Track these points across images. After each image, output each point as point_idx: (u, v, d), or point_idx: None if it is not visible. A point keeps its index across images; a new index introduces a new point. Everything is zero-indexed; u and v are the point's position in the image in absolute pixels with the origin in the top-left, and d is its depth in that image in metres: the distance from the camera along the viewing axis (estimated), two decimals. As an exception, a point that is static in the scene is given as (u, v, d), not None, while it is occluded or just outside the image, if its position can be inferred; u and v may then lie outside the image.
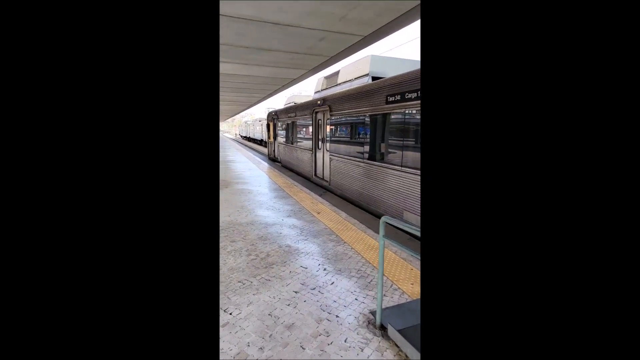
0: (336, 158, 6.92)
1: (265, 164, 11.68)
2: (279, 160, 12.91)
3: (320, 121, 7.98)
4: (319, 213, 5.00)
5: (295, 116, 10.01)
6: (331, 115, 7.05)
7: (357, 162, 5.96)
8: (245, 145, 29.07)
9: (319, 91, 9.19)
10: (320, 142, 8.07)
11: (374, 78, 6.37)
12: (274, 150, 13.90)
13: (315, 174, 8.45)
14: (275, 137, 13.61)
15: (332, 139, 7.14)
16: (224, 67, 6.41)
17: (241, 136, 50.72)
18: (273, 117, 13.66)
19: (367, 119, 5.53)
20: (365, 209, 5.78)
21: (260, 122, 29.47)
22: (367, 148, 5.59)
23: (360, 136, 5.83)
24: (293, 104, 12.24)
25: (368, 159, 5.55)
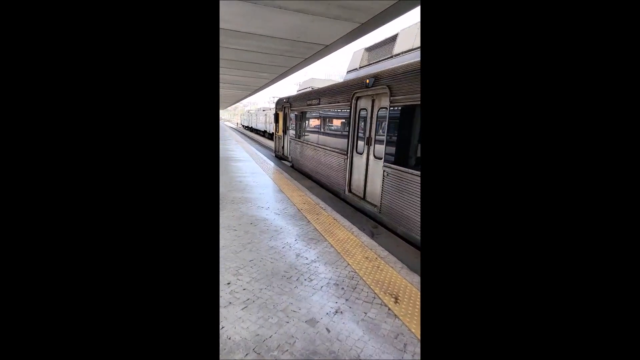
0: (399, 172, 4.12)
1: (271, 164, 9.03)
2: (290, 160, 10.16)
3: (363, 111, 5.16)
4: (396, 301, 2.38)
5: (319, 104, 7.18)
6: (392, 101, 4.24)
7: None
8: (247, 136, 27.16)
9: (355, 69, 6.48)
10: (360, 143, 5.30)
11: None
12: (283, 147, 11.09)
13: (350, 190, 5.71)
14: (285, 131, 10.80)
15: (391, 139, 4.33)
16: (223, 13, 3.68)
17: (243, 126, 48.52)
18: (284, 106, 10.82)
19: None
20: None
21: (265, 112, 26.95)
22: None
23: None
24: (310, 89, 9.43)
25: None
